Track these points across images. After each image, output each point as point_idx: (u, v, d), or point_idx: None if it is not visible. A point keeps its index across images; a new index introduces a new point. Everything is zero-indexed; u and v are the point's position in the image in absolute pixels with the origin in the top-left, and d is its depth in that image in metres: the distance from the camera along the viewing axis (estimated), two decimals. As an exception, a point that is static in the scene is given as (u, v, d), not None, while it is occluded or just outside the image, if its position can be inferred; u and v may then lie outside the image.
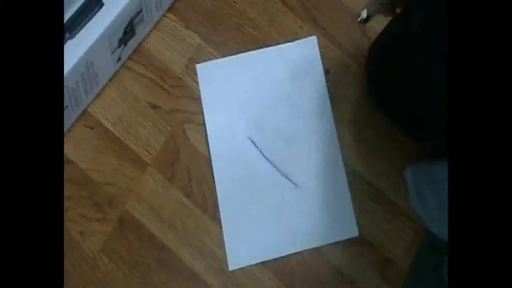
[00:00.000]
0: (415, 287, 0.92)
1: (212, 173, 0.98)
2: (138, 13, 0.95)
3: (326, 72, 1.04)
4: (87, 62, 0.90)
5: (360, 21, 0.98)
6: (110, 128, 0.99)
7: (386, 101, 0.89)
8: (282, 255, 0.95)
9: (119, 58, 0.99)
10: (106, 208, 0.96)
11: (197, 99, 1.01)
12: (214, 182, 0.98)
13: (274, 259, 0.95)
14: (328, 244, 0.96)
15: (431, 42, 0.73)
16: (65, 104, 0.92)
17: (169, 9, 1.04)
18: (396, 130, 0.98)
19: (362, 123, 1.01)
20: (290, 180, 0.98)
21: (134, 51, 1.02)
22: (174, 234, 0.96)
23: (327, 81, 1.03)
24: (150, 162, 0.98)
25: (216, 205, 0.97)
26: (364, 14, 0.98)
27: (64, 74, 0.86)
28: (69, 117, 0.96)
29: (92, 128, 0.99)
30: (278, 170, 0.99)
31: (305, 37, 1.05)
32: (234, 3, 1.06)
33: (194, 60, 1.03)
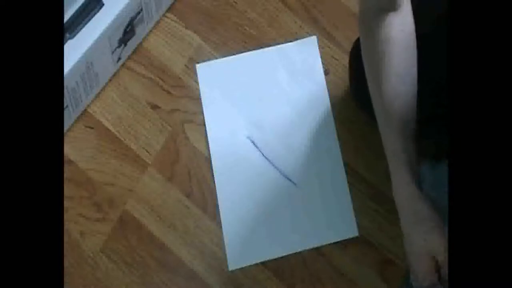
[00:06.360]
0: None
1: (212, 173, 0.98)
2: (138, 13, 0.95)
3: (326, 72, 1.04)
4: (87, 62, 0.90)
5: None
6: (110, 128, 0.99)
7: (370, 104, 0.89)
8: (282, 255, 0.95)
9: (119, 58, 0.99)
10: (106, 208, 0.96)
11: (197, 99, 1.01)
12: (214, 182, 0.98)
13: (274, 259, 0.95)
14: (328, 244, 0.96)
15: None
16: (65, 104, 0.92)
17: (169, 9, 1.04)
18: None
19: (362, 123, 1.01)
20: (290, 180, 0.98)
21: (134, 51, 1.02)
22: (174, 234, 0.96)
23: (327, 81, 1.03)
24: (150, 162, 0.98)
25: (216, 205, 0.97)
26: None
27: (64, 74, 0.86)
28: (69, 117, 0.96)
29: (92, 128, 0.99)
30: (278, 170, 0.99)
31: (305, 37, 1.05)
32: (234, 3, 1.06)
33: (194, 60, 1.03)
